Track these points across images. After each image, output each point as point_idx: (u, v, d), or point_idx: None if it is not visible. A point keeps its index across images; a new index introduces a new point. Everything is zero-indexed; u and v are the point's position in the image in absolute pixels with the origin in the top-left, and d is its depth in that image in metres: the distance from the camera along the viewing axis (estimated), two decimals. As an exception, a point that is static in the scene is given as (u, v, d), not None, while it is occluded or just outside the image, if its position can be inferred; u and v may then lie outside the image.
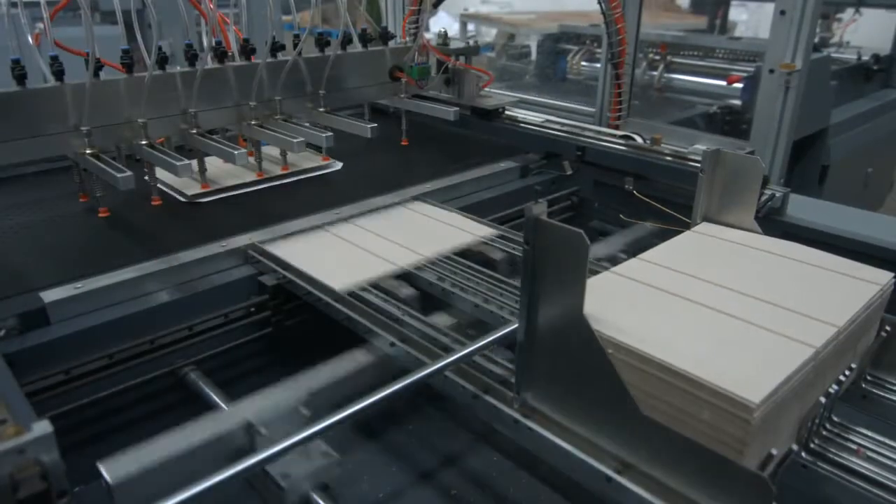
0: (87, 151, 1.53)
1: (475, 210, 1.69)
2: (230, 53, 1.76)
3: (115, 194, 1.55)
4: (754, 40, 4.11)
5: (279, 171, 1.88)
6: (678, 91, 3.79)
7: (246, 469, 0.83)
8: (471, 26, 6.45)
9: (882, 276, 1.03)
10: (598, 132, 2.04)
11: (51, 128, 1.49)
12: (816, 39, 3.07)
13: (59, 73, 1.49)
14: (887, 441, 0.93)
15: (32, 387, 1.11)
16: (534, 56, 4.74)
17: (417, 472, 1.13)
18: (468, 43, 2.30)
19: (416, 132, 2.25)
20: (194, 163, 1.63)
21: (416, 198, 1.73)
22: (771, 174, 2.63)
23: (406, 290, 1.30)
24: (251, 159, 1.82)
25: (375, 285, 1.31)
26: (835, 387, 0.92)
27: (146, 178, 1.65)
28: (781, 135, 2.61)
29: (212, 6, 1.63)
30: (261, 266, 1.40)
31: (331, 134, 1.73)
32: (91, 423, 1.18)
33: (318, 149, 1.93)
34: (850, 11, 4.78)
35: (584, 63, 4.17)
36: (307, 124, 1.85)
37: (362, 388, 1.14)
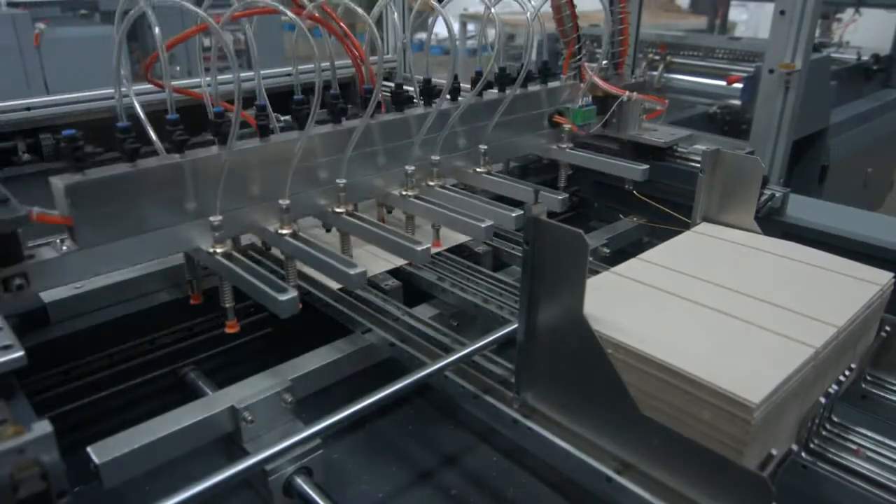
0: (217, 250, 1.12)
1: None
2: (413, 97, 1.36)
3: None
4: (754, 40, 4.12)
5: (431, 248, 1.31)
6: (678, 91, 3.79)
7: (246, 469, 0.83)
8: (471, 26, 6.46)
9: (882, 277, 1.03)
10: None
11: (165, 218, 1.08)
12: (816, 39, 3.07)
13: (180, 144, 1.07)
14: (887, 441, 0.93)
15: (32, 387, 1.12)
16: (534, 56, 4.74)
17: (417, 472, 1.13)
18: (636, 79, 1.85)
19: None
20: (365, 269, 1.08)
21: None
22: (771, 174, 2.63)
23: (390, 282, 1.30)
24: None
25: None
26: (835, 387, 0.92)
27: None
28: (781, 135, 2.61)
29: (343, 25, 1.22)
30: (261, 266, 1.40)
31: (521, 213, 1.24)
32: (91, 423, 1.18)
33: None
34: (850, 11, 4.78)
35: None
36: (471, 193, 1.43)
37: (344, 375, 1.16)
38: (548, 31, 1.63)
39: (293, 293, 1.00)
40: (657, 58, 3.81)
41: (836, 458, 0.91)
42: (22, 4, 4.61)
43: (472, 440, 1.19)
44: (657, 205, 1.68)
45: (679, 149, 1.74)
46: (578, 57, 1.74)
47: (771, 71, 2.55)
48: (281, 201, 1.17)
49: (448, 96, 1.40)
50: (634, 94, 1.73)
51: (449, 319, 1.30)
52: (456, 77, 1.42)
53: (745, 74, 3.39)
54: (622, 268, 1.07)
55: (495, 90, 1.58)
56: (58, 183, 0.97)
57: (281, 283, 1.03)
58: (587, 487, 0.85)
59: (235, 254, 1.13)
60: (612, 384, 0.80)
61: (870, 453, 0.91)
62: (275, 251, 1.34)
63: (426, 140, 1.38)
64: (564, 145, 1.72)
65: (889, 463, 0.90)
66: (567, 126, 1.71)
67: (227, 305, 1.18)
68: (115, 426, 0.96)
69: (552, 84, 1.71)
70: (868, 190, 3.92)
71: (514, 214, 1.30)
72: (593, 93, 1.76)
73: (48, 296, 1.21)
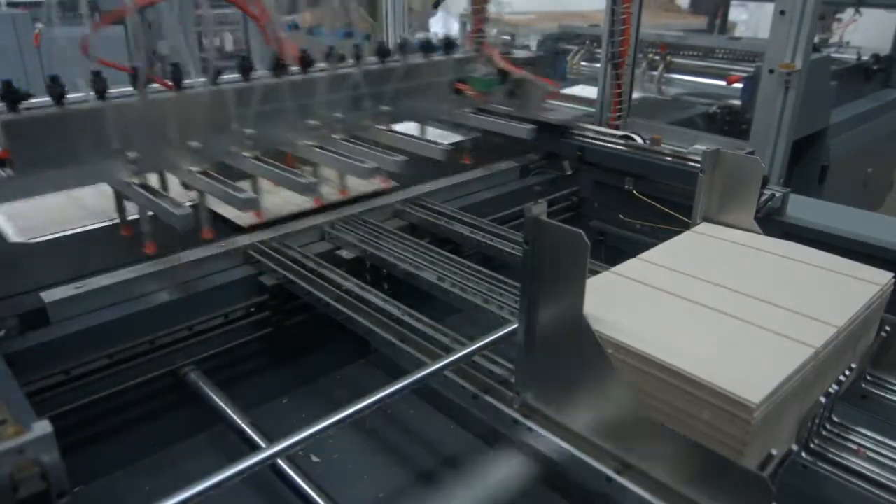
0: (134, 181, 1.36)
1: (475, 210, 1.69)
2: (287, 65, 1.58)
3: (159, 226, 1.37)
4: (754, 40, 4.11)
5: (338, 197, 1.67)
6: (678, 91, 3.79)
7: (247, 468, 0.83)
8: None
9: (882, 277, 1.03)
10: (598, 132, 2.04)
11: (92, 154, 1.32)
12: (816, 39, 3.07)
13: (101, 91, 1.31)
14: (887, 441, 0.93)
15: (32, 387, 1.12)
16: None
17: (417, 472, 1.13)
18: (532, 52, 2.14)
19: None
20: (258, 196, 1.43)
21: (416, 197, 1.73)
22: (771, 174, 2.62)
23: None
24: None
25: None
26: (835, 387, 0.92)
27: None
28: (781, 135, 2.61)
29: (266, 10, 1.49)
30: (261, 266, 1.40)
31: (403, 158, 1.55)
32: (91, 423, 1.18)
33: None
34: (850, 11, 4.78)
35: (583, 63, 4.17)
36: (370, 144, 1.67)
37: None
38: (548, 32, 1.65)
39: (188, 209, 1.25)
40: (657, 58, 3.81)
41: (836, 458, 0.91)
42: (22, 4, 4.62)
43: (473, 440, 1.19)
44: (657, 205, 1.68)
45: (665, 146, 1.82)
46: (482, 31, 2.05)
47: (771, 71, 2.55)
48: (192, 143, 1.40)
49: (354, 60, 1.66)
50: (524, 71, 2.02)
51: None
52: (382, 44, 1.72)
53: (745, 74, 3.39)
54: (622, 268, 1.07)
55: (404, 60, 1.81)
56: None
57: (179, 202, 1.27)
58: (587, 487, 0.85)
59: (148, 185, 1.36)
60: (613, 384, 0.80)
61: (870, 453, 0.91)
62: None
63: (333, 99, 1.62)
64: (467, 110, 1.98)
65: (889, 463, 0.90)
66: (469, 92, 1.96)
67: (144, 230, 1.38)
68: (115, 426, 0.96)
69: (455, 55, 1.95)
70: (868, 190, 3.91)
71: (395, 159, 1.53)
72: (497, 66, 2.01)
73: (48, 296, 1.21)
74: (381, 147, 1.66)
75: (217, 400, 1.20)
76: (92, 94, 1.31)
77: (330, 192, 1.67)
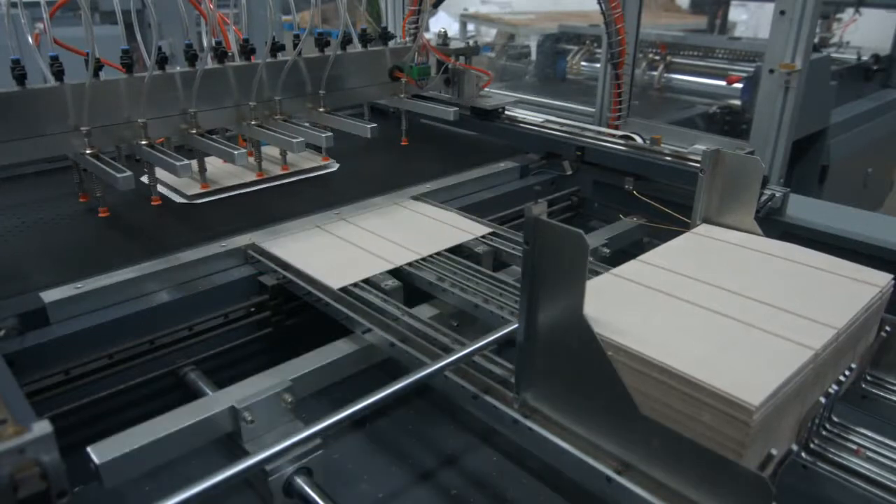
0: (87, 151, 1.54)
1: (475, 210, 1.69)
2: (230, 53, 1.77)
3: (115, 194, 1.56)
4: (754, 40, 4.12)
5: (279, 171, 1.89)
6: (678, 91, 3.79)
7: (246, 469, 0.83)
8: (471, 26, 6.46)
9: (881, 279, 1.03)
10: (598, 132, 2.04)
11: (50, 128, 1.49)
12: (816, 39, 3.07)
13: (58, 74, 1.49)
14: (887, 441, 0.93)
15: (32, 387, 1.12)
16: (534, 56, 4.74)
17: (417, 472, 1.13)
18: (468, 43, 2.30)
19: (417, 133, 2.25)
20: (194, 163, 1.65)
21: (415, 198, 1.73)
22: (771, 174, 2.63)
23: (390, 282, 1.31)
24: (251, 159, 1.83)
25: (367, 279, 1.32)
26: (834, 387, 0.92)
27: (144, 178, 1.67)
28: (781, 135, 2.61)
29: (211, 6, 1.65)
30: (261, 266, 1.40)
31: (330, 134, 1.74)
32: (91, 423, 1.18)
33: (318, 149, 1.93)
34: (850, 11, 4.78)
35: (583, 63, 4.17)
36: (307, 124, 1.86)
37: (344, 375, 1.17)
38: (547, 32, 1.66)
39: (129, 173, 1.42)
40: (657, 58, 3.81)
41: (836, 458, 0.91)
42: (22, 4, 4.61)
43: (472, 440, 1.19)
44: (657, 205, 1.68)
45: (665, 146, 1.83)
46: (416, 22, 2.26)
47: (771, 71, 2.55)
48: (139, 119, 1.60)
49: (293, 49, 1.84)
50: (456, 62, 2.24)
51: (449, 320, 1.30)
52: (322, 36, 1.90)
53: (745, 74, 3.40)
54: (622, 269, 1.07)
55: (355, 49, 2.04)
56: None
57: (123, 168, 1.44)
58: (587, 487, 0.85)
59: (101, 154, 1.54)
60: (613, 385, 0.80)
61: (870, 453, 0.91)
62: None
63: (275, 84, 1.83)
64: (403, 95, 2.18)
65: (889, 463, 0.90)
66: (404, 80, 2.15)
67: (98, 195, 1.60)
68: (115, 426, 0.96)
69: (392, 45, 2.14)
70: (868, 190, 3.91)
71: (324, 135, 1.71)
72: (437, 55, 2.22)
73: (48, 296, 1.21)
74: (317, 127, 1.84)
75: (217, 400, 1.19)
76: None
77: (273, 168, 1.90)
